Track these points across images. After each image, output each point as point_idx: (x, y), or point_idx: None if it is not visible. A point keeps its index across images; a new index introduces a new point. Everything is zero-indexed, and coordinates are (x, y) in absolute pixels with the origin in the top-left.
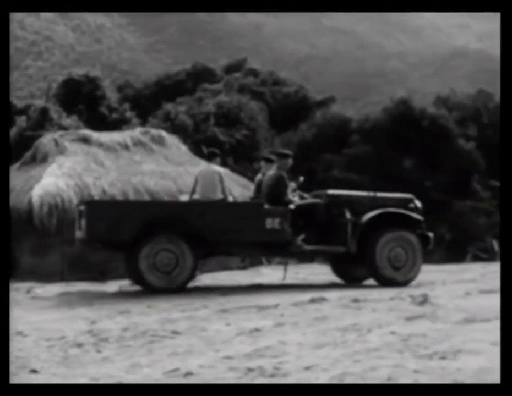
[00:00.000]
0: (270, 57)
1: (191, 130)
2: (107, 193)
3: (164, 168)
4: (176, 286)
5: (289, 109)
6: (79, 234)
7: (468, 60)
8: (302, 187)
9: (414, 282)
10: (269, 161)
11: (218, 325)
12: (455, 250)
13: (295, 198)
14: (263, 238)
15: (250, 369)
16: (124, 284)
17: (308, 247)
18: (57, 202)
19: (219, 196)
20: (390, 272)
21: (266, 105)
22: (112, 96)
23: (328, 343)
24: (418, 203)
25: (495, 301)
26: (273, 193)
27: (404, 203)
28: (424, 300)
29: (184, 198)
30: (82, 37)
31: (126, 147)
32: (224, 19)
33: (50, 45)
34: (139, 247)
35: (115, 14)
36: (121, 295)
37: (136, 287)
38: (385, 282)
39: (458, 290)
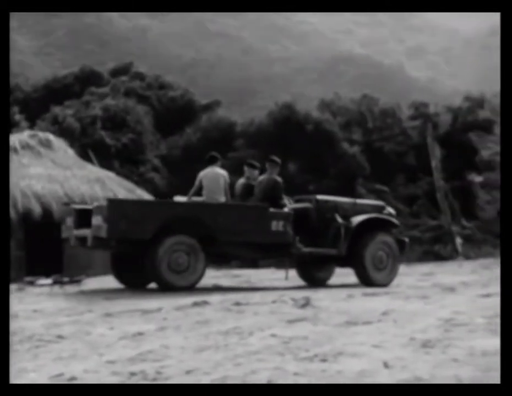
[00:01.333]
0: (156, 61)
1: (78, 133)
2: None
3: (51, 171)
4: (189, 285)
5: (175, 113)
6: (90, 231)
7: (352, 65)
8: None
9: (296, 285)
10: (252, 167)
11: (102, 329)
12: None
13: (287, 202)
14: (268, 240)
15: (132, 374)
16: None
17: (306, 249)
18: None
19: (224, 198)
20: (373, 274)
21: (152, 109)
22: None
23: (210, 346)
24: (391, 210)
25: (377, 304)
26: (269, 197)
27: (379, 210)
28: (305, 303)
29: (180, 199)
30: None
31: (14, 150)
32: (111, 23)
33: None
34: (156, 246)
35: None
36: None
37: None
38: (370, 283)
39: (340, 292)
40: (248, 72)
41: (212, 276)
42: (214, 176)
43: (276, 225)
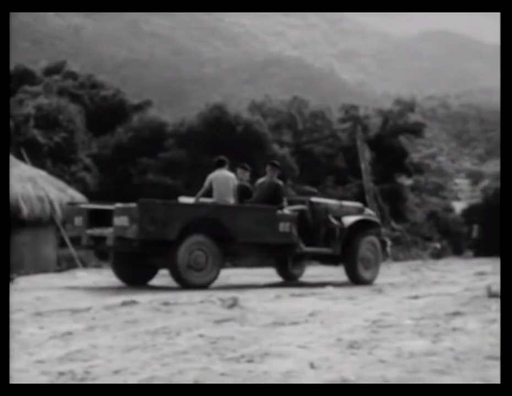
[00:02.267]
0: (89, 60)
1: (11, 132)
2: None
3: None
4: (206, 284)
5: (107, 112)
6: (111, 231)
7: (283, 67)
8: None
9: (224, 285)
10: (245, 169)
11: (32, 329)
12: None
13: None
14: (277, 240)
15: (61, 373)
16: None
17: (307, 249)
18: None
19: (233, 199)
20: (362, 272)
21: (84, 108)
22: None
23: (138, 346)
24: (370, 211)
25: (304, 305)
26: (271, 199)
27: (360, 211)
28: (233, 303)
29: (185, 200)
30: None
31: None
32: (45, 21)
33: None
34: (178, 246)
35: None
36: None
37: None
38: (358, 281)
39: (268, 293)
40: (179, 73)
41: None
42: (224, 179)
43: (283, 227)
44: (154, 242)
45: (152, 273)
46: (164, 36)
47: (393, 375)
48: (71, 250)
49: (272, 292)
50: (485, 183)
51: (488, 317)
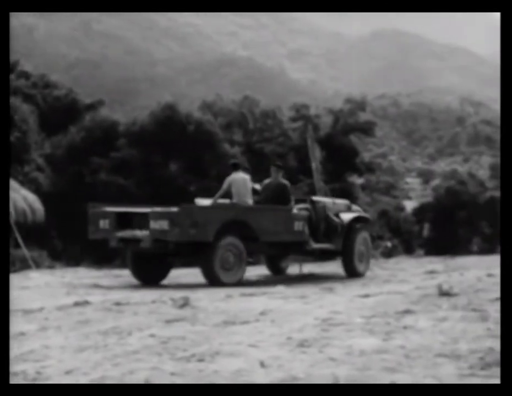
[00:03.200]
0: (42, 60)
1: None
2: None
3: None
4: (235, 282)
5: (60, 112)
6: (147, 234)
7: (234, 67)
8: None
9: (176, 285)
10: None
11: None
12: None
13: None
14: (292, 238)
15: (14, 374)
16: None
17: (316, 246)
18: None
19: (251, 200)
20: (358, 265)
21: (37, 108)
22: None
23: (90, 346)
24: (357, 207)
25: (255, 304)
26: (279, 199)
27: (349, 207)
28: (184, 303)
29: (202, 202)
30: None
31: None
32: None
33: None
34: (213, 247)
35: None
36: None
37: None
38: (354, 274)
39: (219, 292)
40: (131, 72)
41: (93, 276)
42: (243, 181)
43: (297, 225)
44: (191, 244)
45: (166, 273)
46: (117, 36)
47: (344, 373)
48: (24, 251)
49: (223, 292)
50: (436, 182)
51: (438, 315)
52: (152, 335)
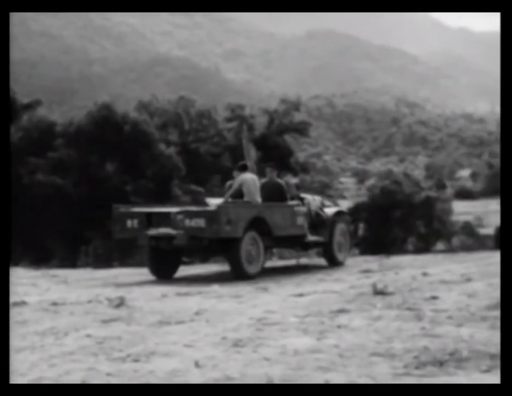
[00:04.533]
0: None
1: None
2: None
3: None
4: (256, 273)
5: None
6: (181, 232)
7: (170, 66)
8: None
9: (112, 284)
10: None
11: None
12: None
13: None
14: (295, 232)
15: None
16: None
17: (311, 238)
18: None
19: (260, 199)
20: (338, 255)
21: None
22: None
23: (27, 347)
24: (327, 202)
25: (190, 303)
26: (277, 198)
27: (322, 203)
28: (120, 303)
29: (213, 201)
30: None
31: None
32: None
33: None
34: (240, 242)
35: None
36: None
37: None
38: (335, 263)
39: (155, 292)
40: (68, 72)
41: (30, 276)
42: (252, 181)
43: (300, 220)
44: (220, 240)
45: (176, 269)
46: (54, 35)
47: (278, 373)
48: None
49: (158, 291)
50: (371, 182)
51: (372, 314)
52: (88, 336)
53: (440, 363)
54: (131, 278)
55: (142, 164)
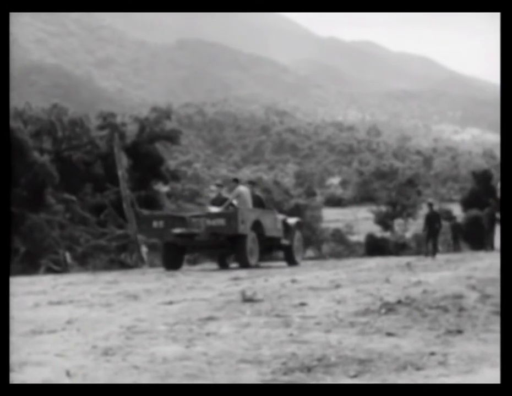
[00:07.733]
0: None
1: None
2: None
3: None
4: (256, 264)
5: None
6: (203, 230)
7: (43, 74)
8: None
9: None
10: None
11: None
12: (29, 263)
13: None
14: (277, 235)
15: None
16: None
17: (284, 241)
18: None
19: (252, 206)
20: (296, 257)
21: None
22: None
23: None
24: (280, 215)
25: (62, 312)
26: (259, 207)
27: (275, 214)
28: None
29: (213, 209)
30: None
31: None
32: None
33: None
34: (247, 238)
35: None
36: None
37: None
38: (294, 263)
39: (27, 301)
40: None
41: None
42: (246, 192)
43: (279, 225)
44: (232, 237)
45: (183, 263)
46: None
47: (146, 381)
48: None
49: (30, 300)
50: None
51: (241, 321)
52: None
53: (308, 369)
54: None
55: (15, 172)
